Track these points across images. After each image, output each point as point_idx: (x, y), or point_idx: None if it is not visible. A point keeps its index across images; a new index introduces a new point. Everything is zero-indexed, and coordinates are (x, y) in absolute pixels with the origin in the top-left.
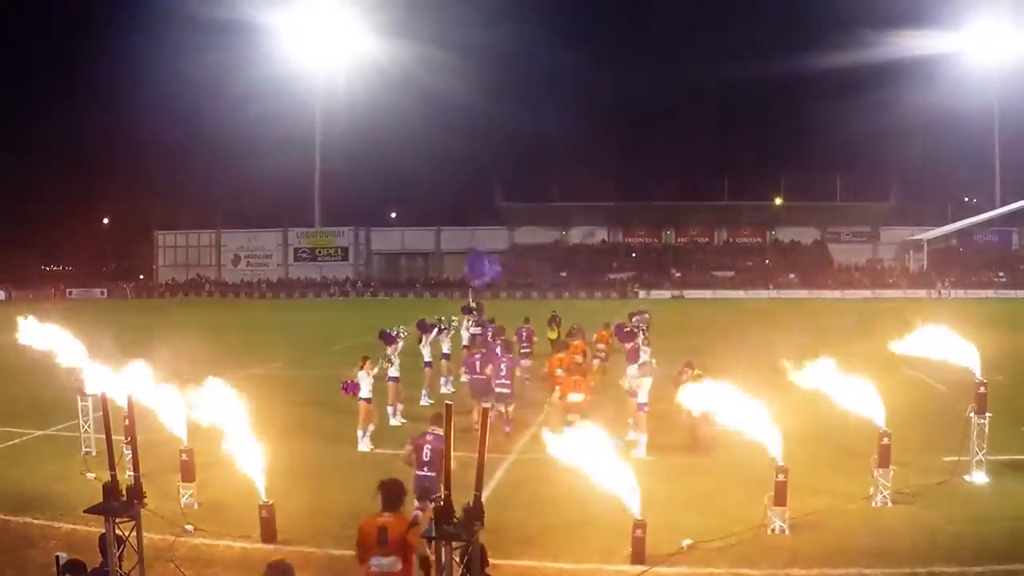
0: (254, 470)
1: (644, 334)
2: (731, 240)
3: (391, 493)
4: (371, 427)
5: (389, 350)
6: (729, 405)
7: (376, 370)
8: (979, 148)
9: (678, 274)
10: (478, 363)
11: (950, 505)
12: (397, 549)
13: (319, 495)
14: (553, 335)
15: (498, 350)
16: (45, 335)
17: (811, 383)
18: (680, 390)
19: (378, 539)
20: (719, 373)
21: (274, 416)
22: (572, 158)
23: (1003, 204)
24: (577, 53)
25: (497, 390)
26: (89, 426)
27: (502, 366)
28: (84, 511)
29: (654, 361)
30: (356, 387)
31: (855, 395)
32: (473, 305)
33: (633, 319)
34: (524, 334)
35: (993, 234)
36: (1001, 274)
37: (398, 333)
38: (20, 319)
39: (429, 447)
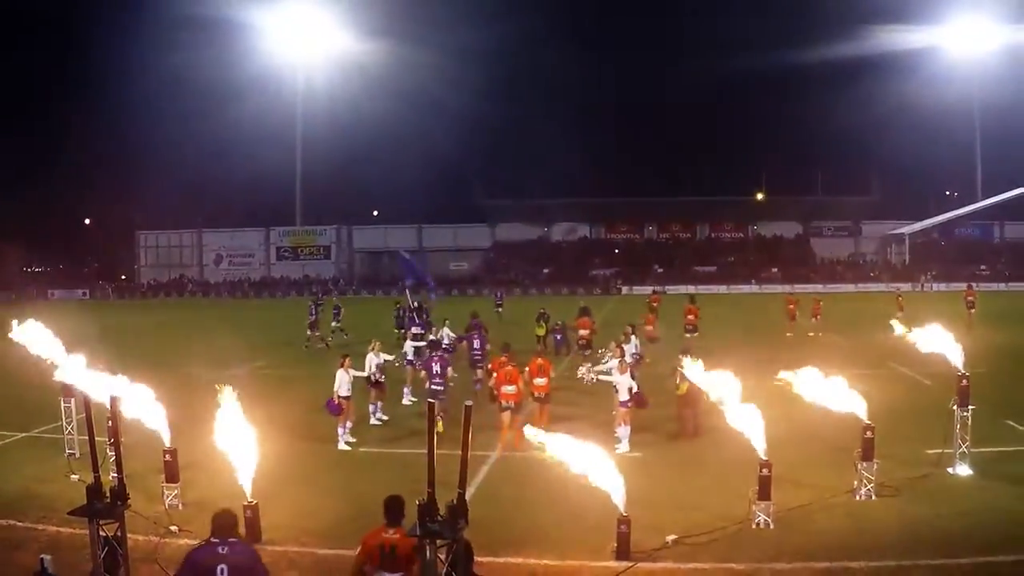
0: (241, 470)
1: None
2: (713, 235)
3: (394, 508)
4: (349, 423)
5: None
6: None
7: (381, 358)
8: (960, 142)
9: (660, 270)
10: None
11: (934, 498)
12: (404, 566)
13: (303, 494)
14: (541, 331)
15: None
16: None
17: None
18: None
19: (387, 556)
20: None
21: (258, 415)
22: (553, 155)
23: (984, 197)
24: (558, 50)
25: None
26: (72, 428)
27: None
28: (68, 513)
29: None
30: (339, 408)
31: (839, 390)
32: (415, 305)
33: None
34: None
35: (975, 227)
36: (983, 267)
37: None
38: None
39: (438, 364)
